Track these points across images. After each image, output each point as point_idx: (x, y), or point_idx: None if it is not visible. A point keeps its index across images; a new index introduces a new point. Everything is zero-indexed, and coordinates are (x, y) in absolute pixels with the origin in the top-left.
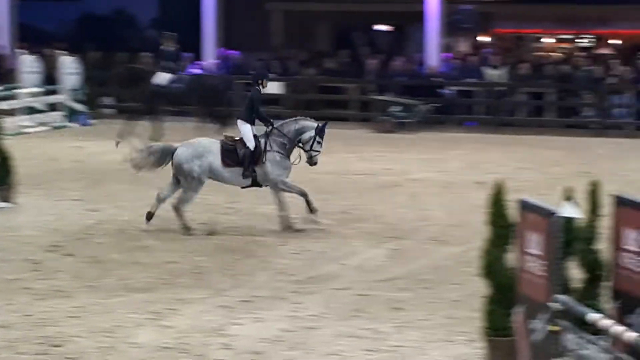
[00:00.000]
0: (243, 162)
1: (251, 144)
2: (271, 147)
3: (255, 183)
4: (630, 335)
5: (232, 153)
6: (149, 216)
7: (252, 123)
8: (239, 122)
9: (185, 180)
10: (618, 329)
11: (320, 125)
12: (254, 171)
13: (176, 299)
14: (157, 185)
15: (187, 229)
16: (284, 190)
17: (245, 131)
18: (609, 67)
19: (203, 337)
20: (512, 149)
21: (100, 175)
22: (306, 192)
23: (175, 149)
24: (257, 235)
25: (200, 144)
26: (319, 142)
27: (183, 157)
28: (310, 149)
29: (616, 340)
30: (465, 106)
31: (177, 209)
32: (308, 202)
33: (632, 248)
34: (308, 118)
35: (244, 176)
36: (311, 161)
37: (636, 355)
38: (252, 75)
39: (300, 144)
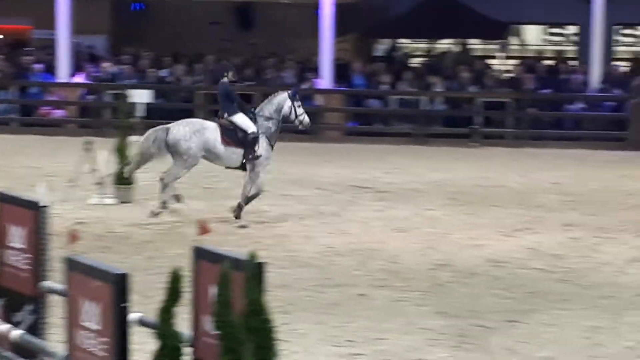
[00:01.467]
0: (243, 143)
1: (253, 129)
2: (260, 132)
3: (242, 166)
4: (15, 333)
5: (233, 133)
6: (163, 204)
7: (241, 112)
8: (228, 117)
9: (180, 158)
10: (3, 327)
11: (290, 92)
12: (256, 155)
13: None
14: None
15: (164, 206)
16: (257, 177)
17: (240, 120)
18: None
19: None
20: None
21: None
22: (257, 196)
23: (168, 129)
24: None
25: (196, 122)
26: (298, 106)
27: (180, 134)
28: (296, 117)
29: (2, 339)
30: None
31: (164, 183)
32: (242, 205)
33: (16, 245)
34: (278, 92)
35: (245, 158)
36: (304, 126)
37: (22, 352)
38: (217, 70)
39: (285, 117)
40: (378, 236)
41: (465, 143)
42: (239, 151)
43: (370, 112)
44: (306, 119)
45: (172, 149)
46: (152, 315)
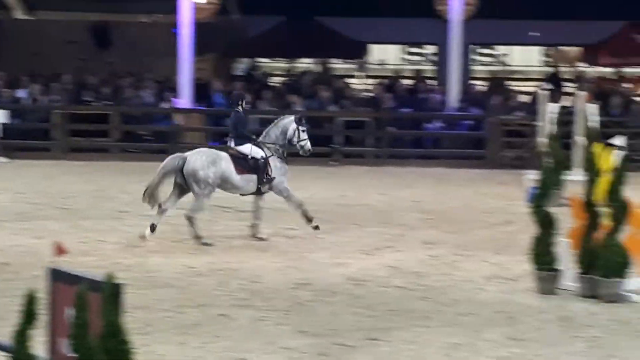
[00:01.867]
0: (255, 170)
1: (261, 154)
2: (270, 155)
3: (258, 190)
4: None
5: (244, 161)
6: (153, 228)
7: (246, 142)
8: (235, 146)
9: (199, 188)
10: None
11: (296, 117)
12: (270, 177)
13: None
14: None
15: (198, 238)
16: (285, 196)
17: (248, 149)
18: None
19: None
20: None
21: None
22: (303, 203)
23: (184, 158)
24: None
25: (212, 152)
26: (302, 131)
27: (198, 164)
28: (298, 142)
29: None
30: None
31: (190, 218)
32: (305, 213)
33: None
34: (285, 116)
35: (259, 182)
36: (304, 151)
37: None
38: (232, 98)
39: (289, 141)
40: (239, 256)
41: (326, 162)
42: (254, 177)
43: (229, 132)
44: (308, 145)
45: (189, 178)
46: (8, 339)
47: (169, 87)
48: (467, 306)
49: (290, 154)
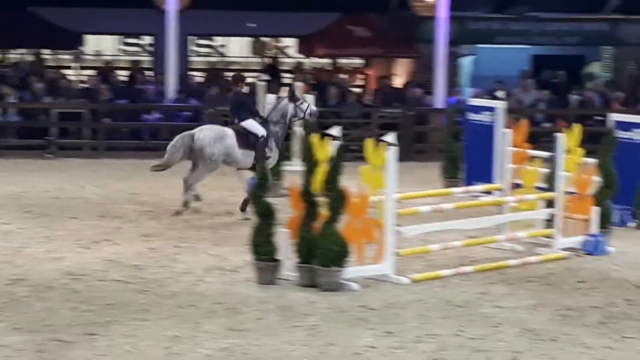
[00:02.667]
0: (255, 146)
1: (262, 133)
2: (269, 135)
3: (253, 167)
4: None
5: (245, 137)
6: (186, 204)
7: (249, 118)
8: (239, 122)
9: (204, 162)
10: None
11: (288, 95)
12: (267, 156)
13: None
14: None
15: (186, 205)
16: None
17: (251, 125)
18: None
19: None
20: None
21: None
22: None
23: (192, 135)
24: None
25: (218, 128)
26: (300, 104)
27: (206, 140)
28: (304, 113)
29: None
30: None
31: (187, 184)
32: (247, 201)
33: None
34: (281, 97)
35: (257, 159)
36: (313, 116)
37: None
38: (232, 78)
39: (294, 119)
40: None
41: (41, 155)
42: (252, 153)
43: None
44: (313, 108)
45: (197, 154)
46: None
47: None
48: (186, 298)
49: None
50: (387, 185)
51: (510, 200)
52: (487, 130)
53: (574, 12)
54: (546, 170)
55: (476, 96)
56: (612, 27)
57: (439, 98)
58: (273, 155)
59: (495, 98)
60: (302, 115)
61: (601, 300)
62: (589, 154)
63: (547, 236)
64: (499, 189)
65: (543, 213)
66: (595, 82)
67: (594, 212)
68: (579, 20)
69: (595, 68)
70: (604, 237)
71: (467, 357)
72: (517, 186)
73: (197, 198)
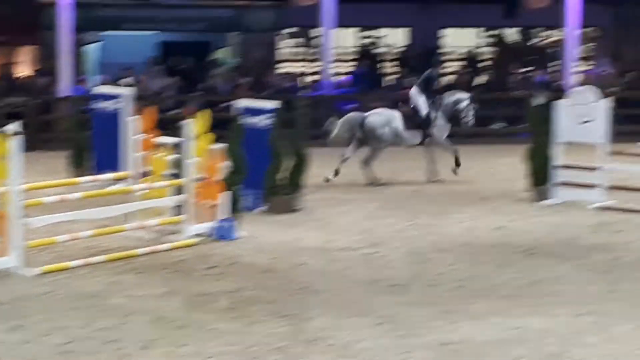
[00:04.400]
0: (420, 125)
1: (424, 112)
2: (436, 114)
3: (421, 143)
4: None
5: (411, 118)
6: (336, 173)
7: (426, 96)
8: (414, 93)
9: (376, 142)
10: None
11: (471, 96)
12: (430, 133)
13: None
14: None
15: (374, 181)
16: (444, 147)
17: (420, 102)
18: None
19: None
20: None
21: None
22: (457, 149)
23: (365, 117)
24: None
25: (388, 113)
26: (471, 110)
27: (377, 123)
28: (465, 116)
29: None
30: None
31: (366, 163)
32: (457, 158)
33: None
34: (463, 92)
35: (423, 136)
36: (467, 123)
37: None
38: (433, 59)
39: (457, 111)
40: None
41: None
42: (418, 132)
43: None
44: (472, 121)
45: (368, 134)
46: None
47: None
48: None
49: None
50: (12, 175)
51: (139, 188)
52: (114, 118)
53: None
54: (175, 157)
55: (103, 84)
56: (238, 13)
57: (65, 86)
58: (437, 131)
59: (122, 85)
60: (463, 116)
61: (231, 285)
62: (217, 139)
63: (178, 223)
64: (128, 177)
65: (173, 200)
66: (223, 68)
67: (224, 198)
68: (205, 7)
69: (222, 54)
70: (235, 222)
71: (96, 348)
72: (146, 174)
73: (372, 182)
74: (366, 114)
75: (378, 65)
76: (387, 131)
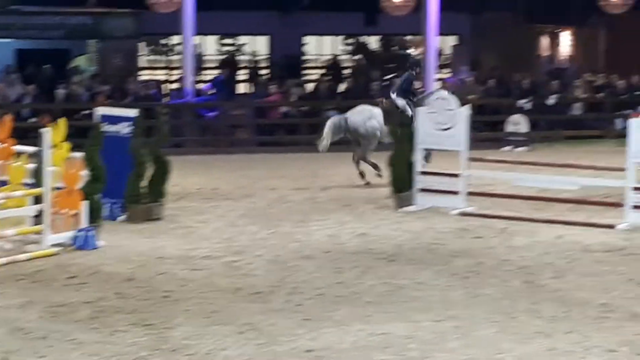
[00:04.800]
0: (401, 123)
1: (409, 112)
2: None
3: None
4: None
5: (391, 115)
6: (362, 175)
7: (405, 98)
8: (394, 98)
9: (363, 140)
10: None
11: (449, 92)
12: None
13: None
14: None
15: (376, 169)
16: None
17: (401, 103)
18: None
19: None
20: None
21: None
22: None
23: (347, 118)
24: None
25: (367, 109)
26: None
27: (359, 122)
28: None
29: None
30: None
31: (363, 158)
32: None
33: None
34: (439, 90)
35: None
36: None
37: None
38: (409, 62)
39: None
40: None
41: None
42: None
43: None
44: None
45: (353, 134)
46: None
47: None
48: None
49: None
50: None
51: None
52: None
53: (57, 6)
54: (33, 166)
55: None
56: (97, 21)
57: None
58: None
59: None
60: None
61: (92, 295)
62: (76, 148)
63: (37, 233)
64: None
65: (31, 209)
66: (82, 76)
67: (83, 207)
68: (62, 14)
69: (81, 62)
70: (94, 231)
71: None
72: (3, 183)
73: (375, 168)
74: (347, 114)
75: (240, 73)
76: (370, 127)
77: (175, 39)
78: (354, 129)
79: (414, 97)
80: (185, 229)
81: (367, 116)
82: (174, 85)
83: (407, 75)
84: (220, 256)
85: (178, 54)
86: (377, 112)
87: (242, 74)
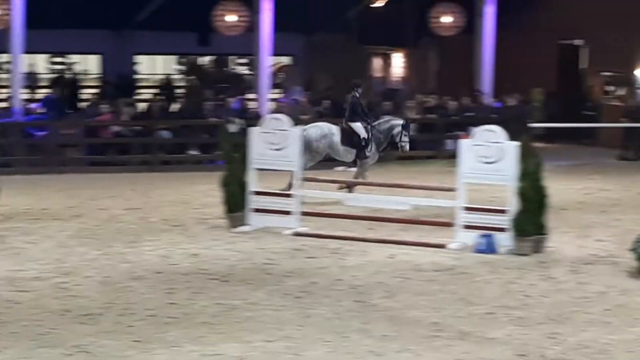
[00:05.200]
0: (357, 146)
1: (364, 135)
2: (372, 139)
3: (354, 162)
4: None
5: (350, 136)
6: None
7: (359, 121)
8: (349, 123)
9: (310, 153)
10: None
11: (404, 122)
12: (366, 155)
13: None
14: None
15: (289, 187)
16: (364, 170)
17: (358, 127)
18: None
19: None
20: None
21: None
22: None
23: (304, 130)
24: None
25: (325, 126)
26: (405, 135)
27: (313, 136)
28: (400, 141)
29: None
30: None
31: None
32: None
33: None
34: (395, 118)
35: (358, 156)
36: (402, 150)
37: None
38: (351, 83)
39: (392, 137)
40: None
41: None
42: (353, 151)
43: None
44: (407, 147)
45: (305, 146)
46: None
47: None
48: None
49: None
50: None
51: None
52: None
53: None
54: None
55: None
56: None
57: None
58: (371, 156)
59: None
60: (397, 142)
61: None
62: None
63: None
64: None
65: None
66: None
67: None
68: None
69: None
70: None
71: None
72: None
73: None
74: (306, 126)
75: (71, 91)
76: (322, 144)
77: (3, 57)
78: (307, 141)
79: (369, 119)
80: (13, 249)
81: (324, 133)
82: (2, 104)
83: (351, 99)
84: (49, 277)
85: (7, 72)
86: (336, 130)
87: (73, 93)
